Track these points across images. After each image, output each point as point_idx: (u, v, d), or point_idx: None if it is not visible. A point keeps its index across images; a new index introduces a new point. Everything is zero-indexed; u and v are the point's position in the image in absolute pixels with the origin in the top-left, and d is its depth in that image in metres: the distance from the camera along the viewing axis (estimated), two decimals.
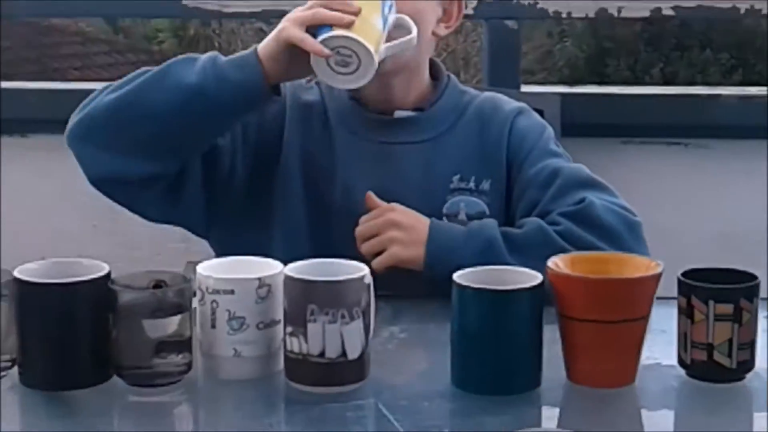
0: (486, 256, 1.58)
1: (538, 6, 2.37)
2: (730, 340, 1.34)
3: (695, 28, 8.53)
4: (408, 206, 1.69)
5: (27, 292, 1.33)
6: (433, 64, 1.83)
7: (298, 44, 1.56)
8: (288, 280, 1.33)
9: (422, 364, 1.43)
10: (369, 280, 1.34)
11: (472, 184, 1.75)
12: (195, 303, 1.36)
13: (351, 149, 1.76)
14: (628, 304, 1.33)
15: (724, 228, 2.38)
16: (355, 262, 1.37)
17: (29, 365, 1.34)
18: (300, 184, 1.75)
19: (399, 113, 1.78)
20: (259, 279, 1.35)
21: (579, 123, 2.31)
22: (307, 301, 1.30)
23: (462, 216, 1.74)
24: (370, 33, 1.56)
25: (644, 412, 1.35)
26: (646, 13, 2.41)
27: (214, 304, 1.35)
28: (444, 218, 1.72)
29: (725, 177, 2.39)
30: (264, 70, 1.59)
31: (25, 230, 2.42)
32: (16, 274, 1.33)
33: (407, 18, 1.65)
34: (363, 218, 1.67)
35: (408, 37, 1.63)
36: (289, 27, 1.57)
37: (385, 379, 1.37)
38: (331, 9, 1.56)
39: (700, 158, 2.40)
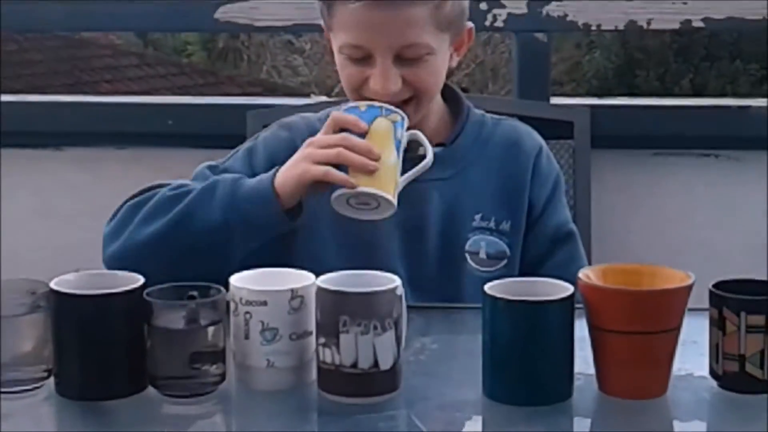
0: None
1: (568, 18, 2.37)
2: (762, 352, 1.33)
3: (725, 38, 8.49)
4: (432, 243, 1.73)
5: (63, 304, 1.34)
6: (453, 94, 1.82)
7: (322, 179, 1.57)
8: (320, 291, 1.34)
9: (454, 375, 1.44)
10: (401, 291, 1.34)
11: (492, 224, 1.77)
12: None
13: None
14: (661, 315, 1.33)
15: (755, 239, 2.37)
16: (387, 274, 1.38)
17: (65, 375, 1.36)
18: (327, 224, 1.72)
19: (421, 149, 1.71)
20: (292, 290, 1.36)
21: (609, 135, 2.31)
22: (339, 312, 1.31)
23: (482, 255, 1.76)
24: (389, 177, 1.58)
25: (676, 424, 1.36)
26: (676, 26, 2.39)
27: (248, 316, 1.36)
28: (466, 255, 1.75)
29: (756, 188, 2.38)
30: (282, 205, 1.59)
31: (57, 242, 2.44)
32: (52, 285, 1.35)
33: (419, 134, 1.63)
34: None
35: (423, 163, 1.59)
36: (310, 168, 1.57)
37: (417, 390, 1.37)
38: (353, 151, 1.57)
39: (730, 170, 2.40)
